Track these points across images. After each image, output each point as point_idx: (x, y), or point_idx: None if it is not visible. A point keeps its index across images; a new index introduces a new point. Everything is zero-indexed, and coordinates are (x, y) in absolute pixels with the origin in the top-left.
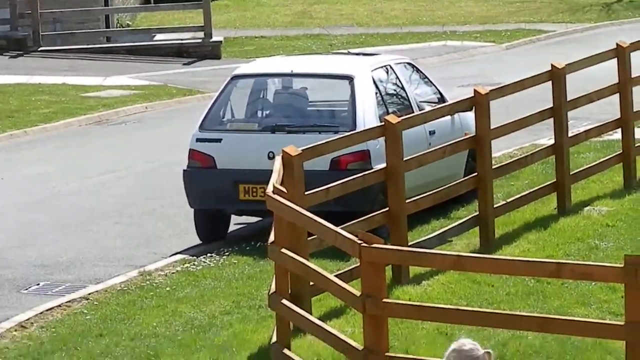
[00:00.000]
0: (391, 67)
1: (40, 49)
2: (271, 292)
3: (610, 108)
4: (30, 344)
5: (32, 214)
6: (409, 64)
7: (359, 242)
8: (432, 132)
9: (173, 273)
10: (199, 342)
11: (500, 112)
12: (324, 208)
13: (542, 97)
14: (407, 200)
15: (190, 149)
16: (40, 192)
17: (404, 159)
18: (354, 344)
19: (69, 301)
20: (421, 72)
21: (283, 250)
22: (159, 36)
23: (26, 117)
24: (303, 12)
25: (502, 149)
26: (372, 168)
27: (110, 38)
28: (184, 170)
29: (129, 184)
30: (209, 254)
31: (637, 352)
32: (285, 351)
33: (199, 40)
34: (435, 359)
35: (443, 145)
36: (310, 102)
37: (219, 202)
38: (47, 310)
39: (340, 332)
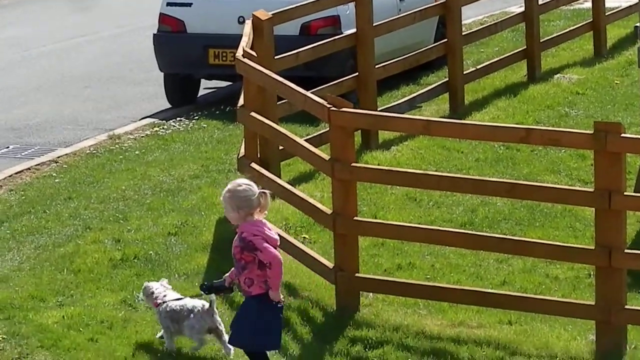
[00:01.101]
0: None
1: None
2: (240, 155)
3: None
4: None
5: (1, 78)
6: None
7: (329, 105)
8: None
9: (142, 137)
10: (167, 205)
11: None
12: (293, 73)
13: None
14: (377, 66)
15: (160, 13)
16: (10, 56)
17: (374, 24)
18: (322, 207)
19: (38, 164)
20: None
21: (252, 114)
22: None
23: None
24: None
25: (471, 17)
26: (342, 33)
27: None
28: (153, 35)
29: (98, 48)
30: (178, 118)
31: (605, 219)
32: None
33: None
34: (403, 223)
35: (413, 11)
36: None
37: (189, 67)
38: (16, 173)
39: (309, 196)
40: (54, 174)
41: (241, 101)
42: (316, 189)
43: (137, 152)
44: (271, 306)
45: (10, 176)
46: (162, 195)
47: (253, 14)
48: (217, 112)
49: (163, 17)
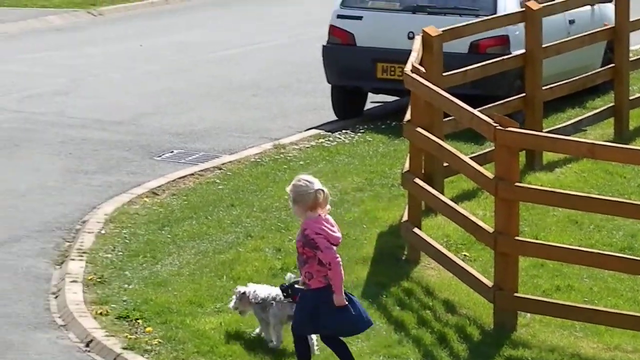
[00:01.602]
0: None
1: None
2: (404, 170)
3: None
4: (161, 211)
5: (169, 82)
6: None
7: (495, 124)
8: (571, 21)
9: (307, 147)
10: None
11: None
12: (461, 91)
13: None
14: (544, 87)
15: (330, 25)
16: (179, 61)
17: (543, 45)
18: (484, 226)
19: (202, 170)
20: None
21: (418, 129)
22: None
23: None
24: None
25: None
26: (510, 53)
27: None
28: (323, 46)
29: (268, 56)
30: (344, 130)
31: None
32: (416, 230)
33: None
34: (564, 245)
35: (582, 34)
36: None
37: (357, 79)
38: (179, 178)
39: (471, 214)
40: (218, 181)
41: (408, 116)
42: (479, 207)
43: (301, 163)
44: (328, 302)
45: (173, 181)
46: None
47: (423, 30)
48: (383, 126)
49: (333, 29)
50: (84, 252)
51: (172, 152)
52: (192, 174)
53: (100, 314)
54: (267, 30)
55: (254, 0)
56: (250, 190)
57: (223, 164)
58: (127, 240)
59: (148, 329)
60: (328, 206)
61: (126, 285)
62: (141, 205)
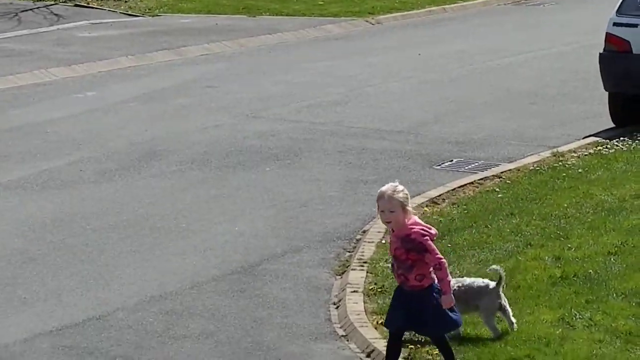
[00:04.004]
0: None
1: None
2: None
3: None
4: (441, 220)
5: (447, 91)
6: None
7: None
8: None
9: (585, 155)
10: (608, 224)
11: None
12: None
13: None
14: None
15: (607, 33)
16: (457, 70)
17: None
18: None
19: (482, 179)
20: None
21: None
22: None
23: None
24: None
25: None
26: None
27: None
28: (600, 54)
29: (545, 65)
30: (621, 138)
31: None
32: None
33: None
34: None
35: None
36: None
37: (634, 87)
38: (459, 187)
39: None
40: (497, 189)
41: None
42: None
43: (579, 170)
44: (434, 301)
45: (453, 190)
46: (603, 214)
47: None
48: None
49: (609, 37)
50: (364, 262)
51: (451, 161)
52: (472, 183)
53: (381, 324)
54: (542, 39)
55: (530, 8)
56: (530, 199)
57: (502, 172)
58: None
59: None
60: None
61: None
62: (421, 215)
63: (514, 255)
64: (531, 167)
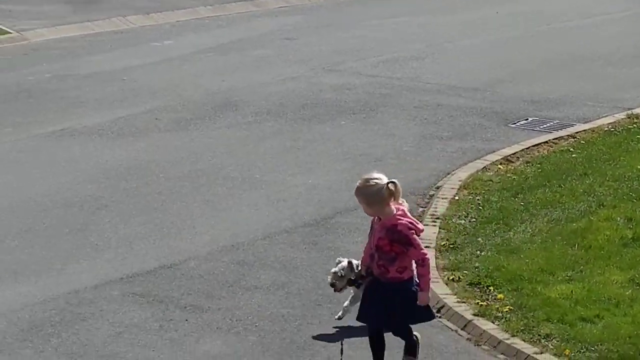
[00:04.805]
0: None
1: None
2: None
3: None
4: (515, 178)
5: (525, 50)
6: None
7: None
8: None
9: None
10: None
11: None
12: None
13: None
14: None
15: None
16: (534, 29)
17: None
18: None
19: (556, 138)
20: None
21: None
22: None
23: None
24: None
25: None
26: None
27: None
28: None
29: (620, 28)
30: None
31: None
32: None
33: None
34: None
35: None
36: None
37: None
38: (533, 145)
39: None
40: (571, 149)
41: None
42: None
43: None
44: (411, 295)
45: (527, 148)
46: None
47: None
48: None
49: None
50: (437, 218)
51: (526, 119)
52: (546, 142)
53: (452, 280)
54: (621, 1)
55: None
56: (603, 160)
57: (577, 132)
58: (480, 207)
59: (499, 295)
60: (400, 200)
61: (478, 252)
62: (495, 172)
63: (586, 216)
64: (606, 128)
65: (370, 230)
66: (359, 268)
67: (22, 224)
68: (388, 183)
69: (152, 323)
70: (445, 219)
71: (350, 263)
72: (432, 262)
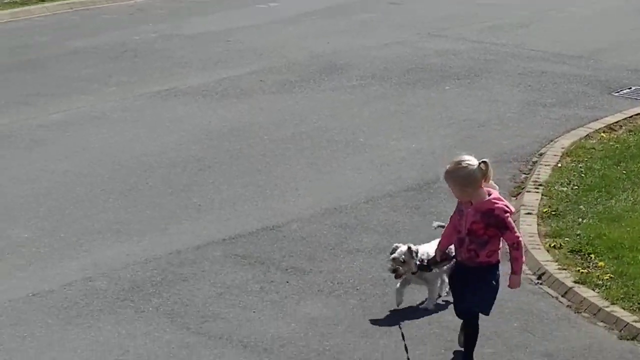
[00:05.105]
0: None
1: None
2: None
3: None
4: (617, 146)
5: (629, 19)
6: None
7: None
8: None
9: None
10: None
11: None
12: None
13: None
14: None
15: None
16: None
17: None
18: None
19: None
20: None
21: None
22: None
23: None
24: None
25: None
26: None
27: None
28: None
29: None
30: None
31: None
32: None
33: None
34: None
35: None
36: None
37: None
38: (636, 114)
39: None
40: None
41: None
42: None
43: None
44: (495, 278)
45: (630, 117)
46: None
47: None
48: None
49: None
50: (539, 185)
51: (629, 88)
52: None
53: (554, 247)
54: None
55: None
56: None
57: None
58: (582, 174)
59: (600, 263)
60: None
61: (580, 219)
62: (597, 140)
63: None
64: None
65: (457, 214)
66: (424, 254)
67: (125, 184)
68: (480, 163)
69: (253, 284)
70: (548, 186)
71: (409, 248)
72: (534, 229)
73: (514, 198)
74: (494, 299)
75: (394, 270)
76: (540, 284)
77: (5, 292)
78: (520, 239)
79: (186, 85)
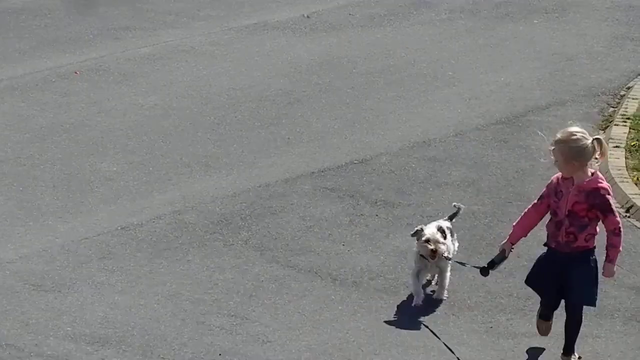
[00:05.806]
0: None
1: None
2: None
3: None
4: None
5: None
6: None
7: None
8: None
9: None
10: None
11: None
12: None
13: None
14: None
15: None
16: None
17: None
18: None
19: None
20: None
21: None
22: None
23: None
24: None
25: None
26: None
27: None
28: None
29: None
30: None
31: None
32: None
33: None
34: None
35: None
36: None
37: None
38: None
39: None
40: None
41: None
42: None
43: None
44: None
45: None
46: None
47: None
48: None
49: None
50: (627, 118)
51: None
52: None
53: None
54: None
55: None
56: None
57: None
58: None
59: None
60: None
61: None
62: None
63: None
64: None
65: (553, 197)
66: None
67: (214, 117)
68: (594, 139)
69: (342, 217)
70: (636, 119)
71: (440, 227)
72: (622, 162)
73: (602, 131)
74: (597, 287)
75: (434, 251)
76: (629, 216)
77: (94, 225)
78: (621, 225)
79: (275, 20)
